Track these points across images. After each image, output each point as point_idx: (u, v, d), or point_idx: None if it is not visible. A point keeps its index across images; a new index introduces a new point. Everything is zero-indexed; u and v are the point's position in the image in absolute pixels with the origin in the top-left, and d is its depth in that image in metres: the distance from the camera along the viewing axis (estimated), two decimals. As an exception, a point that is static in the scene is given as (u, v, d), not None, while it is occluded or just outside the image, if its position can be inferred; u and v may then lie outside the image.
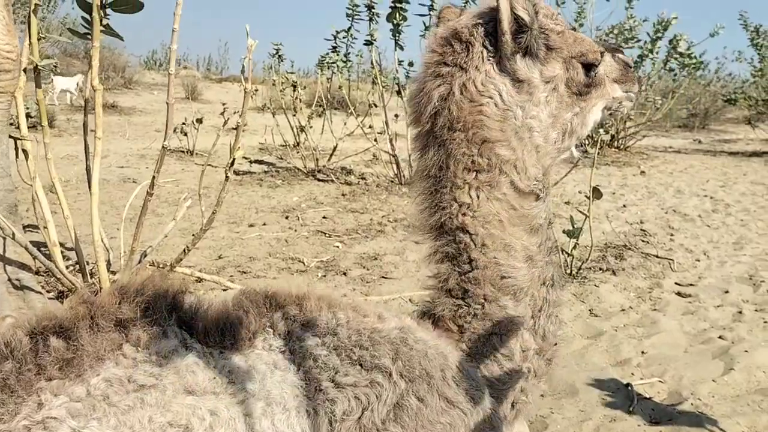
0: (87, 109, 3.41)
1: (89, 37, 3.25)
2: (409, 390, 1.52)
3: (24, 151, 3.35)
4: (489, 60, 1.67)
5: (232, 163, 3.10)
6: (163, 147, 3.23)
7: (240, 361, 1.47)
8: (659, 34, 9.27)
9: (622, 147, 10.79)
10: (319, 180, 8.15)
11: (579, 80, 1.74)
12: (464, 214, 1.70)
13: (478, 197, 1.69)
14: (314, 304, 1.60)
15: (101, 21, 3.24)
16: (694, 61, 9.70)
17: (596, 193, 4.27)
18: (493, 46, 1.67)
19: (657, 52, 9.21)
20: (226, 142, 4.17)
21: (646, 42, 9.26)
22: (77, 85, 13.98)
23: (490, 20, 1.66)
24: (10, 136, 3.26)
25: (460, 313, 1.76)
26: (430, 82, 1.71)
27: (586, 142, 9.55)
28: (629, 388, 2.99)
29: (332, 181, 8.07)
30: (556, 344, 1.87)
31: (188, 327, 1.48)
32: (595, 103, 1.80)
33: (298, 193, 7.43)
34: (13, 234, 3.03)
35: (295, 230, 5.73)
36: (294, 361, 1.50)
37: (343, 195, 7.29)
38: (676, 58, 9.16)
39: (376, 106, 8.26)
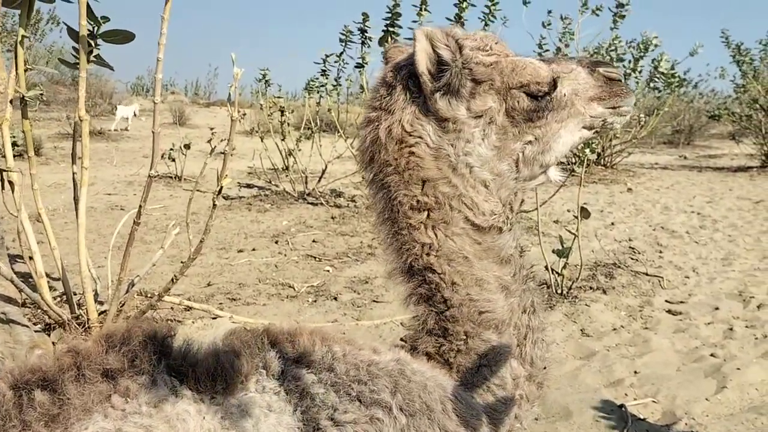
0: (75, 138, 3.39)
1: (78, 66, 3.26)
2: (410, 425, 1.50)
3: (10, 182, 3.33)
4: (414, 101, 1.65)
5: (220, 191, 3.09)
6: (149, 176, 3.21)
7: (232, 406, 1.44)
8: (641, 54, 9.40)
9: (608, 164, 10.88)
10: (308, 203, 8.14)
11: (522, 108, 1.66)
12: (428, 254, 1.66)
13: (436, 236, 1.65)
14: (307, 339, 1.58)
15: (92, 51, 3.25)
16: (676, 79, 9.83)
17: (584, 212, 4.29)
18: (416, 87, 1.65)
19: (640, 71, 9.33)
20: (214, 166, 4.15)
21: (629, 61, 9.38)
22: (134, 113, 15.11)
23: (414, 62, 1.62)
24: (-3, 168, 3.24)
25: (443, 350, 1.72)
26: (363, 128, 1.70)
27: (573, 161, 9.60)
28: (623, 409, 2.98)
29: (322, 204, 8.07)
30: (545, 368, 1.86)
31: (178, 373, 1.43)
32: (557, 128, 1.71)
33: (287, 216, 7.41)
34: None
35: (285, 255, 5.71)
36: (290, 402, 1.47)
37: (333, 218, 7.28)
38: (658, 78, 9.27)
39: (364, 128, 8.28)
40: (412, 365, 1.64)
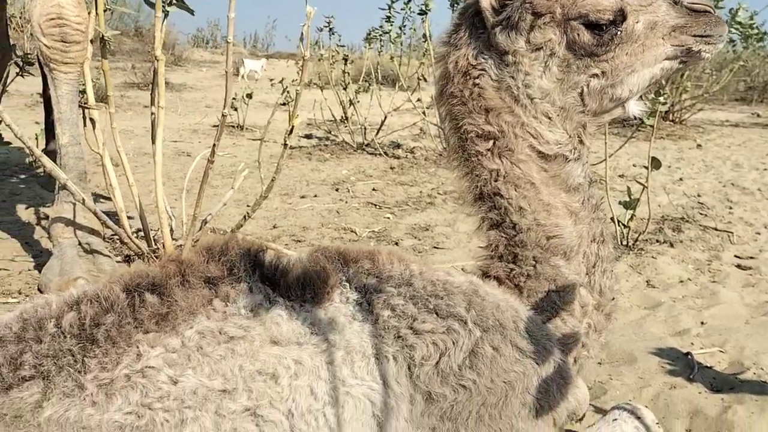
0: (155, 79, 3.49)
1: (163, 8, 3.35)
2: (483, 338, 1.56)
3: (91, 120, 3.47)
4: (478, 37, 1.74)
5: (291, 131, 3.15)
6: (223, 115, 3.29)
7: (320, 313, 1.53)
8: (715, 2, 8.92)
9: (677, 120, 10.49)
10: (367, 154, 8.19)
11: (583, 42, 1.67)
12: (495, 180, 1.74)
13: (503, 162, 1.73)
14: (386, 257, 1.65)
15: None
16: (756, 31, 9.30)
17: (655, 162, 4.18)
18: (480, 23, 1.74)
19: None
20: (277, 117, 4.24)
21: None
22: (262, 67, 16.04)
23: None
24: (79, 106, 3.38)
25: (514, 274, 1.80)
26: (435, 63, 1.83)
27: (644, 111, 9.30)
28: (689, 357, 2.95)
29: (380, 154, 8.10)
30: (613, 299, 1.89)
31: (271, 282, 1.55)
32: (629, 61, 1.70)
33: (346, 166, 7.48)
34: (84, 200, 3.15)
35: (346, 202, 5.79)
36: (372, 312, 1.56)
37: (391, 168, 7.31)
38: (736, 29, 8.79)
39: (425, 80, 8.22)
40: (485, 287, 1.69)
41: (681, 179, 6.88)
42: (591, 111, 1.76)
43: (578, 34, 1.67)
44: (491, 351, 1.58)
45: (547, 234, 1.74)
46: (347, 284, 1.60)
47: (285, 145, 3.22)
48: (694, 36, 1.72)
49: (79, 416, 1.29)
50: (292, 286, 1.54)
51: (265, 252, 1.59)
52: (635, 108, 1.82)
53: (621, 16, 1.67)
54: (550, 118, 1.73)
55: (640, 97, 1.88)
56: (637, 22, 1.69)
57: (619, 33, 1.68)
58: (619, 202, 4.38)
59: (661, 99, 4.29)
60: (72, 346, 1.34)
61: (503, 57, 1.72)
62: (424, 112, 8.14)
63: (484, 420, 1.59)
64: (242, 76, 15.41)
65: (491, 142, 1.73)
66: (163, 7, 3.42)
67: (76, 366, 1.33)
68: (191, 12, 3.64)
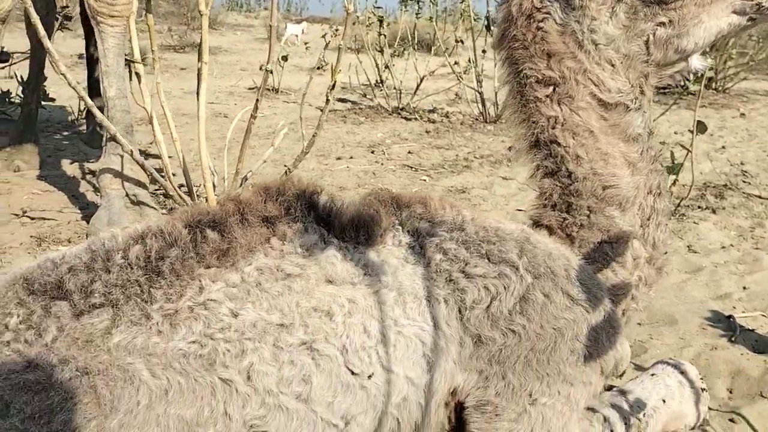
0: (203, 35, 3.50)
1: None
2: (535, 284, 1.57)
3: (137, 74, 3.52)
4: None
5: (334, 86, 3.16)
6: (266, 70, 3.31)
7: (373, 255, 1.56)
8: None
9: (720, 89, 10.20)
10: (402, 117, 8.15)
11: None
12: (553, 127, 1.73)
13: (562, 109, 1.71)
14: (438, 203, 1.66)
15: None
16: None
17: (701, 126, 4.09)
18: None
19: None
20: (312, 83, 4.23)
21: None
22: (302, 31, 16.10)
23: None
24: (125, 60, 3.42)
25: (567, 224, 1.79)
26: (499, 6, 1.80)
27: (689, 77, 9.05)
28: (731, 319, 2.93)
29: (416, 118, 8.06)
30: (666, 252, 1.88)
31: (325, 224, 1.58)
32: (696, 11, 1.68)
33: (381, 129, 7.46)
34: (132, 151, 3.22)
35: (382, 164, 5.80)
36: (424, 255, 1.58)
37: (427, 132, 7.28)
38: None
39: (462, 42, 8.11)
40: (536, 235, 1.70)
41: (723, 147, 6.72)
42: (655, 61, 1.74)
43: None
44: (542, 297, 1.59)
45: (603, 183, 1.73)
46: (400, 228, 1.62)
47: (327, 100, 3.23)
48: None
49: (146, 344, 1.35)
50: (346, 228, 1.57)
51: (320, 194, 1.62)
52: (698, 63, 1.81)
53: None
54: (613, 65, 1.71)
55: (703, 52, 1.85)
56: None
57: None
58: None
59: (710, 61, 4.17)
60: (139, 277, 1.39)
61: (569, 1, 1.70)
62: (460, 77, 8.05)
63: (531, 365, 1.61)
64: (285, 41, 15.37)
65: (551, 88, 1.71)
66: None
67: (142, 296, 1.38)
68: None
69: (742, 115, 8.70)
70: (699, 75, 4.57)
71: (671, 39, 1.71)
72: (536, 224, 1.83)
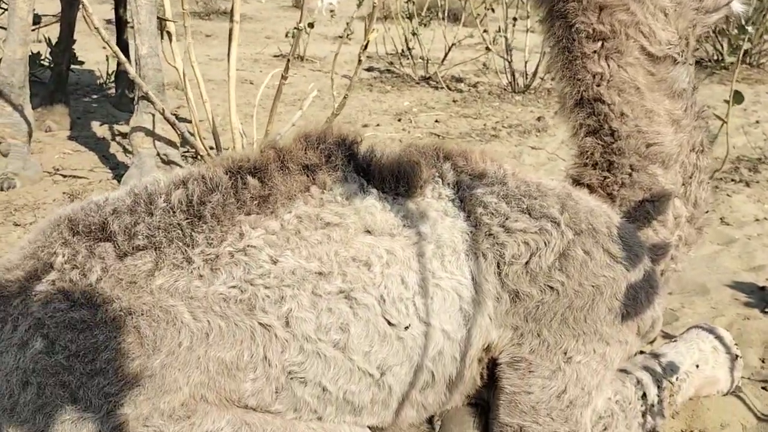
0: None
1: None
2: (575, 241, 1.55)
3: (168, 33, 3.51)
4: None
5: (366, 46, 3.12)
6: (297, 29, 3.29)
7: (413, 206, 1.54)
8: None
9: (755, 64, 9.94)
10: (429, 87, 8.07)
11: None
12: (598, 85, 1.69)
13: (609, 66, 1.68)
14: (479, 156, 1.64)
15: None
16: None
17: (737, 97, 3.99)
18: None
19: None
20: (335, 50, 4.19)
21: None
22: (338, 1, 15.63)
23: None
24: (157, 17, 3.42)
25: (608, 182, 1.77)
26: None
27: (717, 58, 8.81)
28: (764, 291, 2.89)
29: (443, 88, 7.97)
30: (707, 211, 1.85)
31: (365, 173, 1.57)
32: None
33: (408, 98, 7.40)
34: (163, 110, 3.22)
35: (409, 132, 5.77)
36: (464, 209, 1.56)
37: (454, 101, 7.21)
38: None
39: (493, 10, 7.98)
40: (577, 192, 1.67)
41: (757, 122, 6.57)
42: (705, 8, 1.72)
43: None
44: (582, 254, 1.58)
45: (647, 141, 1.71)
46: (440, 180, 1.61)
47: (360, 60, 3.20)
48: None
49: (188, 287, 1.36)
50: (386, 178, 1.56)
51: (360, 143, 1.61)
52: (739, 7, 1.80)
53: None
54: (666, 14, 1.68)
55: None
56: None
57: None
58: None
59: (750, 28, 4.05)
60: (181, 221, 1.40)
61: None
62: (489, 46, 7.92)
63: (568, 322, 1.60)
64: (320, 11, 15.20)
65: (600, 43, 1.68)
66: None
67: (184, 240, 1.39)
68: None
69: (778, 90, 8.48)
70: (736, 47, 4.44)
71: None
72: (576, 183, 1.81)
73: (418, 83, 8.25)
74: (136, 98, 3.41)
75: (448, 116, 6.44)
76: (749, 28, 4.05)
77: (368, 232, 1.50)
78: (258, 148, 1.54)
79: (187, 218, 1.40)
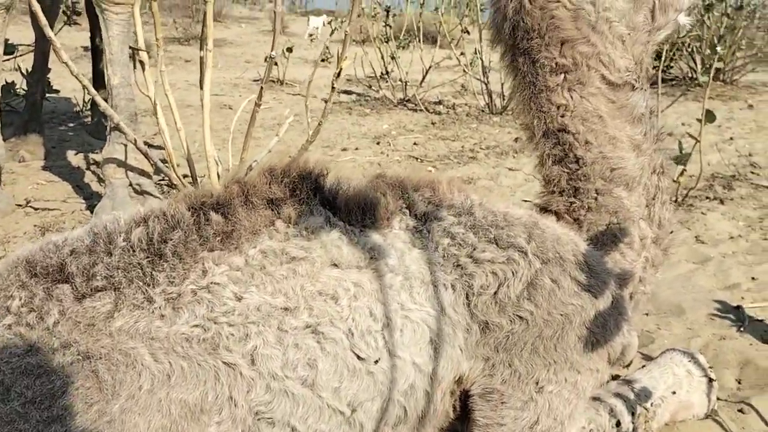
0: (207, 21, 3.48)
1: None
2: (543, 270, 1.55)
3: (141, 62, 3.50)
4: None
5: (339, 73, 3.13)
6: (270, 57, 3.29)
7: (380, 239, 1.53)
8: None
9: (728, 80, 10.12)
10: (408, 109, 8.12)
11: None
12: (563, 116, 1.74)
13: (572, 97, 1.72)
14: (446, 186, 1.64)
15: None
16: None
17: (709, 115, 4.06)
18: None
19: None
20: (317, 75, 4.21)
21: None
22: (323, 23, 15.74)
23: None
24: (129, 47, 3.40)
25: (574, 208, 1.80)
26: (503, 1, 1.77)
27: (692, 75, 8.97)
28: (739, 309, 2.90)
29: (421, 110, 8.02)
30: (672, 231, 1.88)
31: (331, 206, 1.56)
32: None
33: (387, 121, 7.43)
34: (135, 140, 3.20)
35: (387, 155, 5.77)
36: (431, 239, 1.56)
37: (432, 123, 7.25)
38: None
39: (468, 32, 8.06)
40: (545, 220, 1.68)
41: (731, 139, 6.67)
42: (657, 27, 1.78)
43: None
44: (550, 283, 1.57)
45: (611, 166, 1.75)
46: (407, 211, 1.60)
47: (333, 87, 3.20)
48: None
49: (148, 328, 1.33)
50: (352, 211, 1.55)
51: (326, 175, 1.60)
52: (686, 19, 1.86)
53: None
54: (623, 41, 1.73)
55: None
56: None
57: None
58: (669, 158, 4.27)
59: (719, 49, 4.13)
60: (141, 260, 1.37)
61: None
62: (466, 68, 8.01)
63: (538, 352, 1.59)
64: (308, 35, 15.23)
65: (563, 75, 1.73)
66: None
67: (145, 279, 1.36)
68: None
69: (750, 106, 8.64)
70: (708, 66, 4.51)
71: None
72: (544, 211, 1.82)
73: (396, 106, 8.30)
74: (108, 129, 3.38)
75: (427, 138, 6.47)
76: (719, 49, 4.12)
77: (335, 265, 1.48)
78: (222, 183, 1.53)
79: (148, 257, 1.38)
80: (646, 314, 2.90)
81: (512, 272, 1.56)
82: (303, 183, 1.53)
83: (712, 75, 4.45)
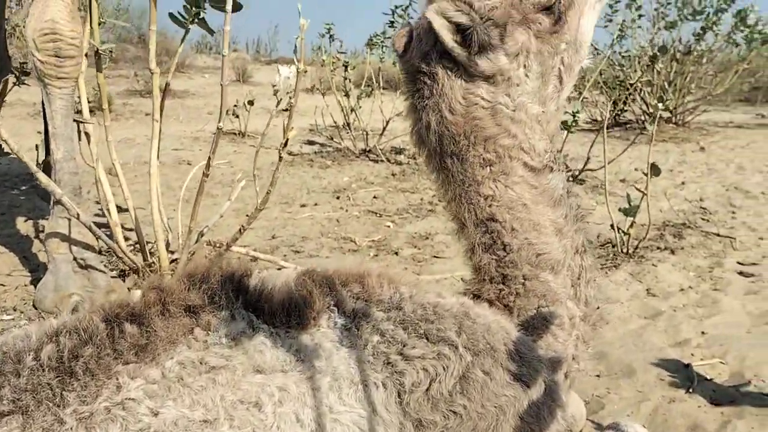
0: (154, 92, 3.48)
1: (185, 25, 3.36)
2: (474, 363, 1.54)
3: (86, 134, 3.47)
4: (456, 75, 1.73)
5: (286, 144, 3.13)
6: (218, 129, 3.28)
7: (306, 339, 1.50)
8: (724, 6, 8.88)
9: (680, 122, 10.44)
10: (369, 160, 8.18)
11: (546, 27, 1.74)
12: (490, 205, 1.78)
13: (497, 187, 1.77)
14: (375, 280, 1.63)
15: (198, 14, 3.33)
16: (761, 34, 9.27)
17: (654, 169, 4.16)
18: (452, 62, 1.72)
19: (720, 24, 8.87)
20: (278, 123, 4.21)
21: (709, 14, 8.90)
22: (290, 72, 15.45)
23: (436, 41, 1.70)
24: (74, 120, 3.37)
25: (504, 294, 1.83)
26: (422, 113, 1.79)
27: (643, 118, 9.22)
28: (689, 368, 2.92)
29: (382, 161, 8.08)
30: (598, 308, 1.91)
31: (254, 309, 1.53)
32: (577, 21, 1.79)
33: (348, 173, 7.47)
34: (78, 215, 3.14)
35: (346, 210, 5.78)
36: (360, 337, 1.54)
37: (393, 175, 7.30)
38: (742, 31, 8.76)
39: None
40: (476, 309, 1.68)
41: (683, 183, 6.84)
42: (565, 90, 1.83)
43: (540, 23, 1.74)
44: (482, 375, 1.56)
45: (536, 251, 1.78)
46: (335, 309, 1.58)
47: (280, 158, 3.20)
48: None
49: (59, 450, 1.27)
50: (276, 312, 1.52)
51: (249, 276, 1.57)
52: (586, 61, 1.90)
53: None
54: (539, 121, 1.78)
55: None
56: None
57: (561, 2, 1.75)
58: (620, 209, 4.35)
59: (661, 106, 4.26)
60: (51, 379, 1.32)
61: (490, 80, 1.74)
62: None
63: (474, 446, 1.57)
64: (277, 84, 15.24)
65: (488, 168, 1.77)
66: (186, 23, 3.42)
67: (55, 400, 1.31)
68: (211, 33, 3.65)
69: (702, 149, 8.90)
70: (654, 117, 4.64)
71: (573, 57, 1.82)
72: (476, 298, 1.83)
73: (358, 156, 8.36)
74: (51, 203, 3.32)
75: (387, 191, 6.50)
76: (661, 106, 4.25)
77: (258, 371, 1.45)
78: (141, 291, 1.49)
79: (58, 376, 1.33)
80: (597, 376, 2.90)
81: (443, 367, 1.54)
82: (224, 287, 1.50)
83: (655, 126, 4.57)
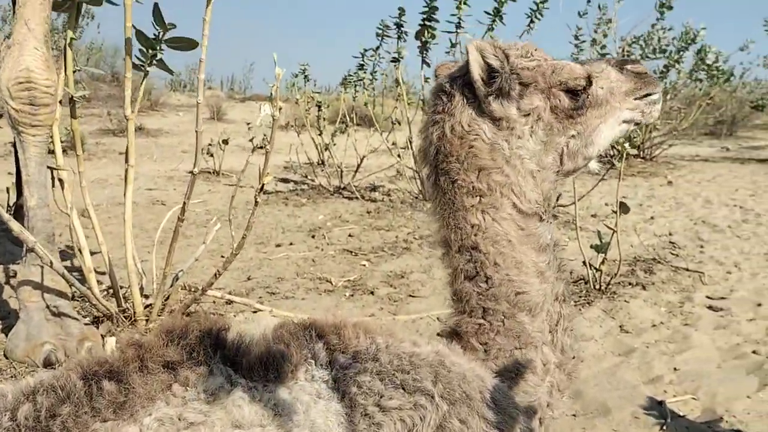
0: (129, 138, 3.49)
1: (143, 68, 3.39)
2: (451, 412, 1.56)
3: (60, 180, 3.46)
4: (470, 105, 1.87)
5: (262, 188, 3.16)
6: (192, 174, 3.31)
7: (284, 393, 1.52)
8: (685, 45, 9.23)
9: (648, 157, 10.71)
10: (344, 197, 8.22)
11: (564, 106, 1.86)
12: (476, 234, 1.85)
13: (485, 219, 1.84)
14: (351, 331, 1.65)
15: (155, 55, 3.36)
16: (721, 72, 9.63)
17: (623, 207, 4.26)
18: (471, 93, 1.87)
19: (683, 62, 9.20)
20: (253, 161, 4.24)
21: (671, 53, 9.22)
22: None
23: (467, 72, 1.86)
24: (48, 167, 3.36)
25: (483, 330, 1.86)
26: (430, 127, 1.94)
27: (612, 154, 9.45)
28: (662, 406, 2.97)
29: (357, 198, 8.13)
30: (574, 357, 1.94)
31: (233, 363, 1.54)
32: (597, 123, 1.90)
33: (323, 211, 7.49)
34: (51, 263, 3.12)
35: (322, 249, 5.79)
36: (338, 390, 1.56)
37: (368, 212, 7.34)
38: (703, 70, 9.10)
39: (399, 123, 8.33)
40: (451, 357, 1.71)
41: (652, 218, 6.99)
42: (565, 171, 1.92)
43: (560, 100, 1.86)
44: (459, 424, 1.58)
45: (516, 290, 1.82)
46: (312, 361, 1.60)
47: (256, 202, 3.23)
48: (641, 98, 1.95)
49: None
50: (254, 366, 1.53)
51: (227, 331, 1.58)
52: (595, 165, 2.04)
53: (588, 81, 1.89)
54: (534, 177, 1.86)
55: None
56: (600, 88, 1.91)
57: (588, 96, 1.89)
58: (591, 246, 4.44)
59: (627, 145, 4.38)
60: (27, 440, 1.31)
61: (496, 122, 1.85)
62: (399, 155, 8.22)
63: (451, 495, 1.58)
64: (260, 121, 15.26)
65: (478, 198, 1.84)
66: (143, 66, 3.46)
67: (31, 461, 1.30)
68: (170, 72, 3.69)
69: (670, 183, 9.12)
70: (623, 155, 4.77)
71: (580, 149, 1.91)
72: (455, 334, 1.86)
73: (333, 194, 8.40)
74: (24, 251, 3.28)
75: (362, 229, 6.53)
76: (627, 145, 4.37)
77: (236, 426, 1.45)
78: (117, 343, 1.49)
79: (34, 437, 1.32)
80: (574, 415, 2.93)
81: (420, 418, 1.56)
82: (202, 342, 1.51)
83: (623, 164, 4.70)
